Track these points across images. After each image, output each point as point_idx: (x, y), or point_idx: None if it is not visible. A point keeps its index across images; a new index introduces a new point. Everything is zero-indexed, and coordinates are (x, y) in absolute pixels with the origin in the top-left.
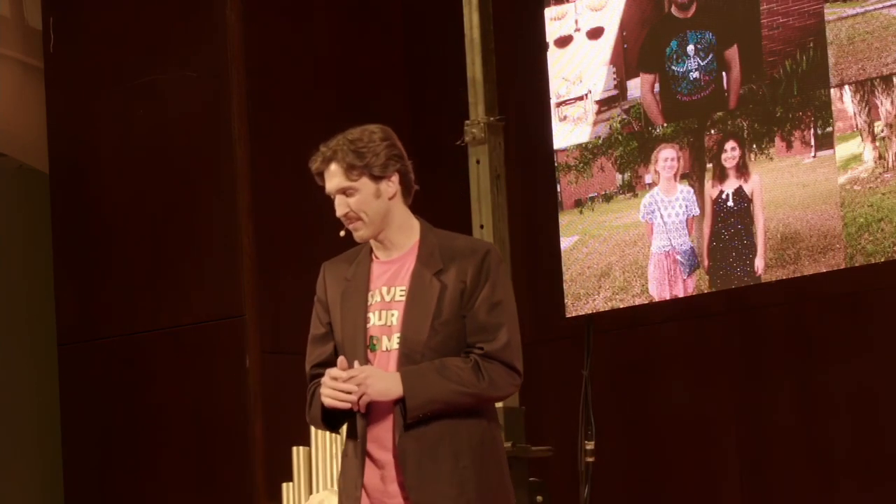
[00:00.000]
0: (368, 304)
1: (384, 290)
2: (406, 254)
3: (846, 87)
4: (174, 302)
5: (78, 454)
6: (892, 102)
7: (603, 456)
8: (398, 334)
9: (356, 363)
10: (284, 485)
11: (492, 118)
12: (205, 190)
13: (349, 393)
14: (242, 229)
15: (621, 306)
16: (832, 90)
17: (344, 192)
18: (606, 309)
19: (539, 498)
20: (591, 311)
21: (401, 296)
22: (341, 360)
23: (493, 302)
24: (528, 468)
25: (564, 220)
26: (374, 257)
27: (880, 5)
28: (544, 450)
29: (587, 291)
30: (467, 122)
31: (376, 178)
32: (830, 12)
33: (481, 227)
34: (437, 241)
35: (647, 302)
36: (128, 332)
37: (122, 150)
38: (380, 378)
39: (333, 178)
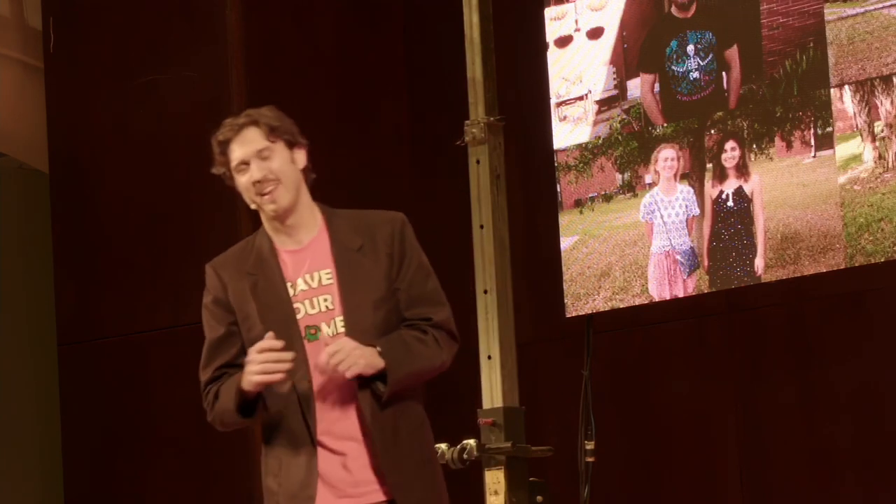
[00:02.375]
0: (291, 295)
1: (307, 277)
2: (316, 238)
3: (846, 87)
4: (174, 302)
5: (78, 454)
6: (892, 102)
7: (603, 456)
8: (340, 318)
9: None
10: None
11: (492, 118)
12: (204, 190)
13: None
14: (242, 229)
15: (621, 306)
16: (832, 90)
17: (260, 154)
18: (606, 309)
19: (539, 498)
20: (591, 311)
21: (328, 279)
22: (271, 333)
23: (425, 270)
24: (528, 468)
25: (564, 220)
26: (275, 247)
27: (880, 5)
28: (544, 450)
29: (587, 291)
30: (467, 122)
31: (290, 145)
32: (830, 12)
33: (481, 227)
34: (344, 219)
35: (647, 302)
36: (128, 332)
37: (122, 149)
38: (364, 350)
39: (250, 142)
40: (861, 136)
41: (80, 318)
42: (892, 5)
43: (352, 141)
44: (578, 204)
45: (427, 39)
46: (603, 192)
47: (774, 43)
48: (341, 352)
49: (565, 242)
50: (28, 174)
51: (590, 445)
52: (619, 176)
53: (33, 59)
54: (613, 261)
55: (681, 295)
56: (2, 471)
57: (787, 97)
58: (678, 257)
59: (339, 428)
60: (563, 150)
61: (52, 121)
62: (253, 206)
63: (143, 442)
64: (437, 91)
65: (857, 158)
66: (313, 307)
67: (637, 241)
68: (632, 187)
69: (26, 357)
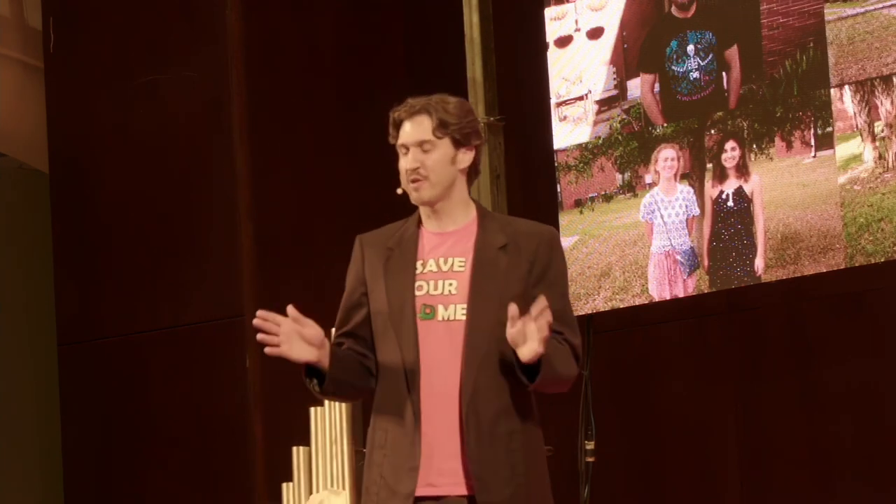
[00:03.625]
0: (418, 272)
1: (440, 260)
2: (463, 228)
3: (846, 87)
4: (174, 302)
5: (78, 454)
6: (892, 102)
7: (603, 456)
8: (462, 305)
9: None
10: (284, 485)
11: (492, 118)
12: (205, 190)
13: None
14: (242, 229)
15: (621, 306)
16: (832, 90)
17: (421, 145)
18: (606, 309)
19: None
20: (591, 311)
21: (460, 266)
22: (290, 307)
23: (563, 289)
24: None
25: (564, 220)
26: (422, 227)
27: (880, 5)
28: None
29: (587, 291)
30: None
31: (457, 144)
32: (830, 12)
33: None
34: (496, 219)
35: (647, 302)
36: (128, 332)
37: (122, 149)
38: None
39: (417, 128)
40: (861, 136)
41: (80, 318)
42: (892, 5)
43: (352, 140)
44: (578, 204)
45: (427, 39)
46: (603, 192)
47: (774, 43)
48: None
49: (565, 242)
50: (28, 174)
51: (590, 445)
52: (619, 176)
53: (33, 59)
54: (613, 261)
55: (681, 295)
56: (2, 471)
57: (787, 97)
58: (678, 257)
59: (439, 412)
60: (563, 150)
61: (52, 121)
62: (399, 191)
63: (143, 442)
64: (437, 91)
65: (857, 158)
66: (436, 288)
67: (637, 241)
68: (632, 187)
69: (26, 357)
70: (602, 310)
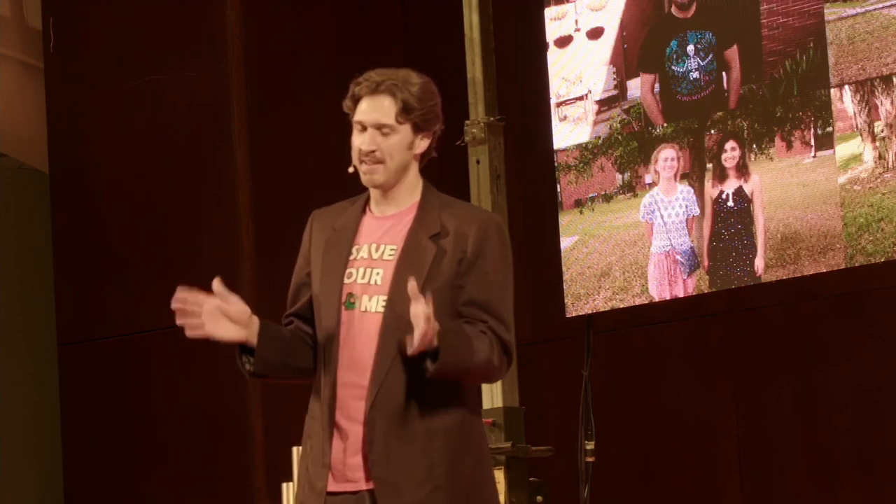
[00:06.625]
0: (352, 258)
1: (373, 247)
2: (403, 212)
3: (846, 87)
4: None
5: (78, 454)
6: (892, 102)
7: (603, 456)
8: (384, 297)
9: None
10: (284, 485)
11: (492, 118)
12: (205, 190)
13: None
14: (242, 229)
15: (621, 306)
16: (832, 90)
17: (381, 128)
18: (606, 309)
19: (539, 498)
20: (591, 311)
21: (390, 254)
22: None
23: (495, 278)
24: (528, 468)
25: (564, 220)
26: (367, 210)
27: (880, 5)
28: (544, 450)
29: (587, 291)
30: (467, 122)
31: (417, 130)
32: (830, 12)
33: None
34: (438, 204)
35: (647, 302)
36: (128, 331)
37: (122, 150)
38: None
39: (379, 110)
40: (861, 136)
41: (80, 318)
42: (892, 5)
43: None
44: (578, 204)
45: (427, 39)
46: (603, 192)
47: (774, 43)
48: (431, 322)
49: (565, 242)
50: (28, 174)
51: (590, 445)
52: (619, 176)
53: (33, 59)
54: (613, 261)
55: (681, 295)
56: (2, 471)
57: (787, 97)
58: (678, 257)
59: (353, 407)
60: (563, 150)
61: (52, 121)
62: (350, 170)
63: (143, 441)
64: (438, 91)
65: (857, 158)
66: (363, 277)
67: (637, 241)
68: (632, 187)
69: (26, 357)
70: (602, 310)
